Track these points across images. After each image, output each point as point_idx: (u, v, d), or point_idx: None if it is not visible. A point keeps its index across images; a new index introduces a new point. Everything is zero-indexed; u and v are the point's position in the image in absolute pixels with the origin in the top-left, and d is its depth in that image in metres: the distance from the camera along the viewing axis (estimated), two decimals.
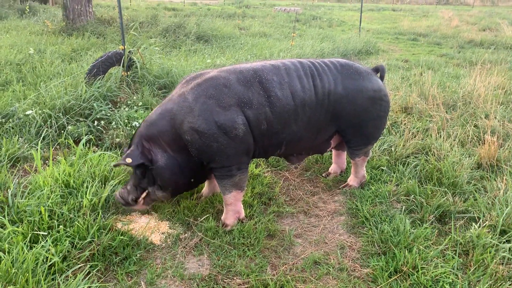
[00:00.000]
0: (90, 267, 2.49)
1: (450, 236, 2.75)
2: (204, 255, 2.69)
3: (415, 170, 3.63)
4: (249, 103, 2.75)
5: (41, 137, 3.95)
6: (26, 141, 3.95)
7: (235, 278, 2.48)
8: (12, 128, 4.14)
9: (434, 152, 3.84)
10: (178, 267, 2.58)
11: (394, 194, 3.33)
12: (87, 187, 3.06)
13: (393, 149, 3.99)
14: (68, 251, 2.51)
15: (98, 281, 2.41)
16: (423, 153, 3.92)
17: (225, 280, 2.46)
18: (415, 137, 4.21)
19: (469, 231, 2.78)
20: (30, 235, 2.54)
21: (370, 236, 2.86)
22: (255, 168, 3.71)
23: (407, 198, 3.25)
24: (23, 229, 2.57)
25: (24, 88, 5.17)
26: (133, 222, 2.98)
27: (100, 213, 2.84)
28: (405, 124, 4.51)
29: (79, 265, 2.44)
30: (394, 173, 3.64)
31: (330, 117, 3.06)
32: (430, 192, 3.22)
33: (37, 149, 3.58)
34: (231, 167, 2.82)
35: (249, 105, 2.75)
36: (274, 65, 2.95)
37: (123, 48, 5.20)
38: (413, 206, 3.15)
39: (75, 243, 2.58)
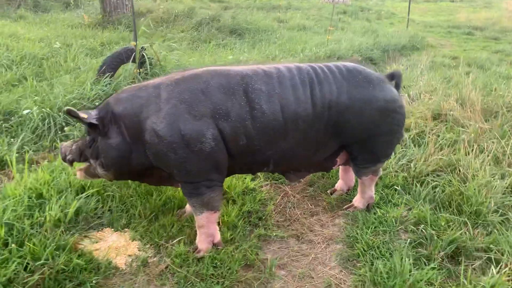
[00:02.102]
0: None
1: (459, 281, 2.27)
2: (166, 287, 2.38)
3: (434, 192, 3.12)
4: (226, 115, 2.39)
5: (35, 138, 3.80)
6: (21, 141, 3.81)
7: None
8: (11, 127, 4.02)
9: (459, 171, 3.30)
10: None
11: (402, 221, 2.86)
12: (59, 198, 2.83)
13: (412, 164, 3.48)
14: (15, 274, 2.28)
15: None
16: (447, 171, 3.38)
17: None
18: (441, 150, 3.66)
19: (484, 276, 2.28)
20: None
21: (363, 274, 2.43)
22: (251, 181, 3.34)
23: (417, 227, 2.77)
24: None
25: (39, 84, 5.08)
26: (102, 240, 2.72)
27: (62, 230, 2.60)
28: (432, 134, 3.96)
29: None
30: (409, 195, 3.15)
31: (332, 131, 2.64)
32: (444, 222, 2.72)
33: (21, 153, 3.42)
34: (198, 183, 2.48)
35: (226, 117, 2.39)
36: (267, 72, 2.56)
37: (134, 44, 4.97)
38: (421, 239, 2.67)
39: (26, 264, 2.35)
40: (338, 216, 3.09)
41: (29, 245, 2.39)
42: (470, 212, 2.85)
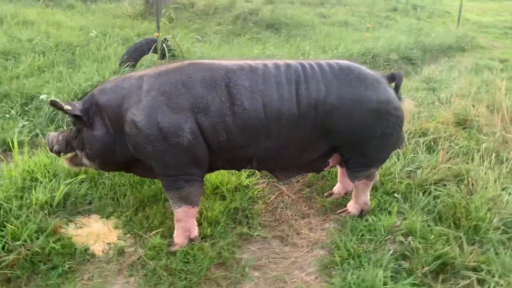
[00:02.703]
0: (12, 273, 2.32)
1: None
2: (134, 278, 2.38)
3: (434, 203, 2.91)
4: (206, 109, 2.33)
5: (49, 123, 3.93)
6: (35, 126, 3.96)
7: None
8: (29, 110, 4.19)
9: (468, 182, 3.06)
10: None
11: (392, 231, 2.69)
12: (50, 182, 2.90)
13: (419, 171, 3.27)
14: None
15: None
16: (455, 181, 3.15)
17: None
18: (454, 158, 3.41)
19: None
20: None
21: (334, 284, 2.31)
22: (246, 178, 3.28)
23: (406, 239, 2.59)
24: None
25: (68, 70, 5.26)
26: (86, 226, 2.77)
27: (45, 212, 2.66)
28: (447, 141, 3.70)
29: None
30: (409, 203, 2.96)
31: (320, 132, 2.52)
32: (433, 235, 2.53)
33: (31, 136, 3.55)
34: (177, 177, 2.45)
35: (205, 112, 2.33)
36: (252, 67, 2.48)
37: (157, 35, 5.02)
38: (407, 251, 2.50)
39: (5, 244, 2.42)
40: (329, 220, 2.96)
41: (10, 226, 2.47)
42: (469, 227, 2.63)
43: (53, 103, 2.34)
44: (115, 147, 2.45)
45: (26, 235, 2.45)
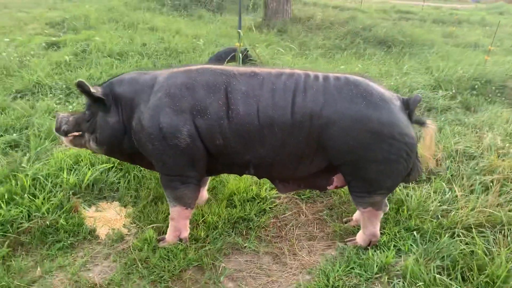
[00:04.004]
0: (25, 239, 2.67)
1: None
2: (115, 264, 2.54)
3: (451, 248, 2.51)
4: (203, 111, 2.39)
5: None
6: None
7: None
8: None
9: (507, 233, 2.58)
10: (83, 266, 2.51)
11: (387, 270, 2.41)
12: (85, 168, 3.26)
13: (454, 212, 2.86)
14: (20, 218, 2.74)
15: (21, 254, 2.57)
16: (494, 230, 2.67)
17: None
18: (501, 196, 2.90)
19: None
20: (5, 194, 2.88)
21: None
22: (265, 190, 3.23)
23: (399, 280, 2.30)
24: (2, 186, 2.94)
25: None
26: (105, 210, 3.04)
27: (69, 192, 2.99)
28: (506, 180, 3.15)
29: (13, 235, 2.65)
30: (426, 245, 2.61)
31: (316, 145, 2.40)
32: (425, 282, 2.19)
33: None
34: (173, 177, 2.55)
35: (202, 114, 2.39)
36: (254, 73, 2.48)
37: (238, 45, 5.23)
38: None
39: (29, 213, 2.80)
40: (334, 246, 2.77)
41: (34, 200, 2.84)
42: (478, 284, 2.22)
43: (80, 84, 2.46)
44: (124, 137, 2.60)
45: (45, 208, 2.80)
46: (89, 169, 3.22)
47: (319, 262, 2.62)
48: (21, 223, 2.71)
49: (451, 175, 3.40)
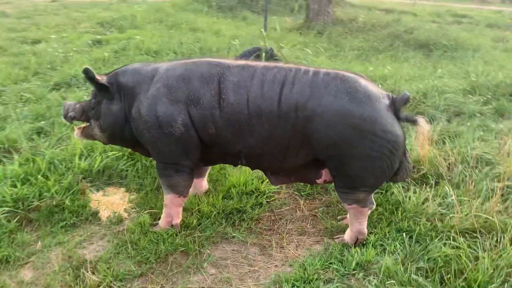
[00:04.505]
0: (34, 216, 2.90)
1: None
2: (108, 244, 2.70)
3: (435, 251, 2.45)
4: (197, 101, 2.50)
5: None
6: None
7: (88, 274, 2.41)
8: None
9: (499, 239, 2.48)
10: (79, 243, 2.69)
11: (366, 268, 2.39)
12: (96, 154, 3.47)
13: (450, 216, 2.77)
14: (32, 197, 2.97)
15: (27, 229, 2.81)
16: (488, 236, 2.57)
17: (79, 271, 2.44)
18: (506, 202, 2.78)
19: None
20: (22, 175, 3.14)
21: None
22: (263, 183, 3.29)
23: (374, 278, 2.28)
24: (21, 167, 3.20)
25: None
26: (111, 195, 3.22)
27: (79, 176, 3.21)
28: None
29: (24, 212, 2.88)
30: (414, 247, 2.56)
31: (301, 138, 2.45)
32: (399, 281, 2.16)
33: None
34: (167, 165, 2.67)
35: (196, 103, 2.50)
36: (244, 65, 2.57)
37: (262, 45, 5.32)
38: None
39: (40, 193, 3.02)
40: (322, 242, 2.78)
41: (46, 181, 3.07)
42: (455, 286, 2.16)
43: (86, 71, 2.61)
44: (125, 124, 2.75)
45: (54, 189, 3.02)
46: (101, 156, 3.42)
47: (303, 256, 2.64)
48: (32, 201, 2.94)
49: (461, 180, 3.29)
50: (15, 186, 3.01)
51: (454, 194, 2.89)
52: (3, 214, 2.80)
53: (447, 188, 3.07)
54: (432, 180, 3.32)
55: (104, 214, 3.00)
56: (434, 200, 2.98)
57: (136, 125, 2.66)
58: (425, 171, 3.38)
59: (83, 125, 2.91)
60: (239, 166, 2.98)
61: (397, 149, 2.37)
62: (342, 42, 8.63)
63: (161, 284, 2.40)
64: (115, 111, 2.74)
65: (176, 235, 2.72)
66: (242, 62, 2.63)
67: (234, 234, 2.81)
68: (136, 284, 2.39)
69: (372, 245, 2.60)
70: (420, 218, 2.79)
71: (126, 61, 6.27)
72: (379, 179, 2.47)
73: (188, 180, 2.74)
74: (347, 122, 2.32)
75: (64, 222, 2.86)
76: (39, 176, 3.10)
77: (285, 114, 2.39)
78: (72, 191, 3.08)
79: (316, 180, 2.69)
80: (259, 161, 2.64)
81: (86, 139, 3.02)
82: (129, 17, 10.05)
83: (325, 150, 2.42)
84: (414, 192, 3.07)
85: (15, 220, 2.80)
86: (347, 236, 2.71)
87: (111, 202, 3.12)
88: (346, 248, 2.62)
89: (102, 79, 2.70)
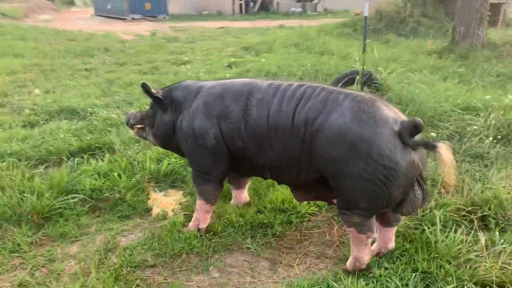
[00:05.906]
0: (102, 205, 3.50)
1: None
2: (141, 235, 3.08)
3: None
4: (227, 116, 2.76)
5: None
6: None
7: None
8: None
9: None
10: (122, 232, 3.15)
11: None
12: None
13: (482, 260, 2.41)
14: (100, 188, 3.60)
15: (92, 215, 3.41)
16: None
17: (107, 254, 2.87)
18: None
19: None
20: (105, 170, 3.81)
21: None
22: (299, 203, 3.30)
23: None
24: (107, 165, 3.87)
25: None
26: (169, 196, 3.66)
27: (144, 177, 3.73)
28: None
29: (94, 201, 3.50)
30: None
31: (309, 152, 2.51)
32: None
33: None
34: (199, 174, 2.97)
35: (225, 118, 2.76)
36: (271, 84, 2.76)
37: (362, 68, 5.26)
38: None
39: (113, 187, 3.62)
40: (329, 267, 2.71)
41: (118, 178, 3.66)
42: None
43: (144, 85, 3.05)
44: (174, 134, 3.10)
45: (123, 185, 3.58)
46: (169, 161, 3.91)
47: (297, 276, 2.63)
48: (104, 193, 3.55)
49: None
50: (96, 179, 3.66)
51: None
52: (79, 199, 3.45)
53: (497, 234, 2.66)
54: (492, 223, 2.90)
55: (155, 211, 3.43)
56: (475, 244, 2.61)
57: (178, 135, 3.02)
58: (488, 213, 2.97)
59: (139, 126, 3.31)
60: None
61: (395, 177, 2.23)
62: (483, 67, 7.79)
63: (165, 276, 2.67)
64: (166, 121, 3.14)
65: (197, 237, 2.97)
66: (270, 81, 2.78)
67: (249, 246, 2.93)
68: (146, 273, 2.71)
69: (375, 279, 2.45)
70: (441, 261, 2.50)
71: None
72: (372, 204, 2.34)
73: (216, 190, 2.98)
74: (345, 139, 2.31)
75: (122, 213, 3.37)
76: (114, 173, 3.71)
77: (297, 128, 2.49)
78: (136, 188, 3.60)
79: (333, 200, 2.66)
80: (279, 175, 2.75)
81: (141, 139, 3.45)
82: (270, 41, 10.76)
83: (326, 166, 2.43)
84: (455, 233, 2.73)
85: (86, 207, 3.41)
86: (348, 261, 2.62)
87: (165, 202, 3.54)
88: (342, 276, 2.51)
89: (157, 92, 3.13)
